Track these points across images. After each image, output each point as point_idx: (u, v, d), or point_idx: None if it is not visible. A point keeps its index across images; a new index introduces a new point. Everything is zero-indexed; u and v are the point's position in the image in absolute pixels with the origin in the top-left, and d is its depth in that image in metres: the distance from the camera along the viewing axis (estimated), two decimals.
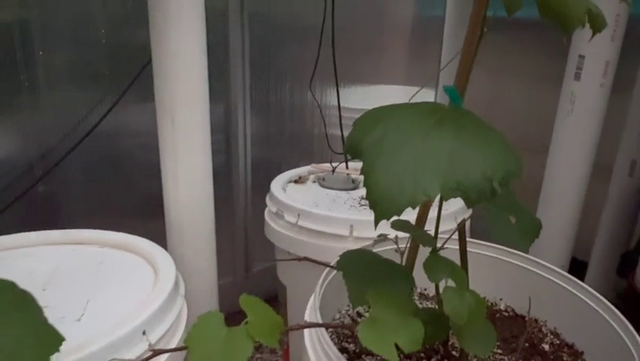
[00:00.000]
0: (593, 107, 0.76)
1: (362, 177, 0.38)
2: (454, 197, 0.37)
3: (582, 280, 1.16)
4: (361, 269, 0.50)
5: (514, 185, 0.38)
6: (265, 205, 0.96)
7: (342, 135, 1.15)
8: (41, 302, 0.37)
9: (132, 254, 0.70)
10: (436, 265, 0.46)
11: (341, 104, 1.14)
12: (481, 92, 1.51)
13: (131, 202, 1.12)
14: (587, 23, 0.41)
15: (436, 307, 0.59)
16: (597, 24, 0.42)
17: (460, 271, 0.46)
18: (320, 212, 0.81)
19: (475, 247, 0.64)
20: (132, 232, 0.72)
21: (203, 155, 0.72)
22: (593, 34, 0.42)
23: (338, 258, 0.51)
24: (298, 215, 0.83)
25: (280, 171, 1.04)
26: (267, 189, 0.99)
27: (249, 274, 1.35)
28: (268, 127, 1.31)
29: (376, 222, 0.37)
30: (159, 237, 0.79)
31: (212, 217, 0.77)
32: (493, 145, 0.39)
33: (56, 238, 0.73)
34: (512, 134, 0.45)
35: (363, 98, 1.51)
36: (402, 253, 0.54)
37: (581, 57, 0.85)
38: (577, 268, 1.04)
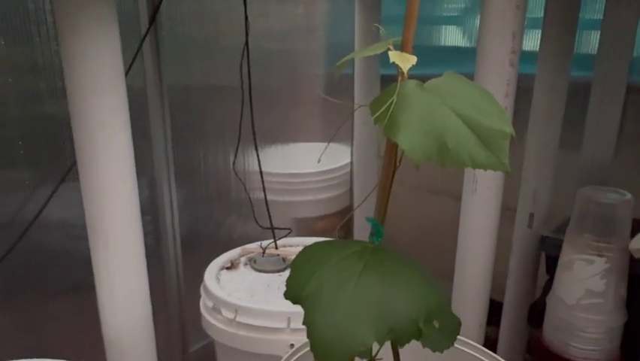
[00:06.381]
0: (494, 184, 0.86)
1: (292, 257, 0.40)
2: (388, 341, 0.42)
3: (499, 321, 1.27)
4: None
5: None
6: (197, 285, 0.97)
7: (268, 209, 1.18)
8: None
9: None
10: None
11: (265, 170, 1.16)
12: None
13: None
14: None
15: None
16: None
17: None
18: (257, 307, 0.85)
19: None
20: None
21: (139, 281, 0.73)
22: None
23: None
24: (236, 311, 0.85)
25: (211, 245, 1.02)
26: (199, 266, 1.00)
27: (186, 355, 1.34)
28: (196, 202, 1.32)
29: None
30: None
31: (152, 339, 0.77)
32: (414, 286, 0.45)
33: None
34: None
35: (283, 159, 1.56)
36: None
37: None
38: (495, 309, 1.13)
